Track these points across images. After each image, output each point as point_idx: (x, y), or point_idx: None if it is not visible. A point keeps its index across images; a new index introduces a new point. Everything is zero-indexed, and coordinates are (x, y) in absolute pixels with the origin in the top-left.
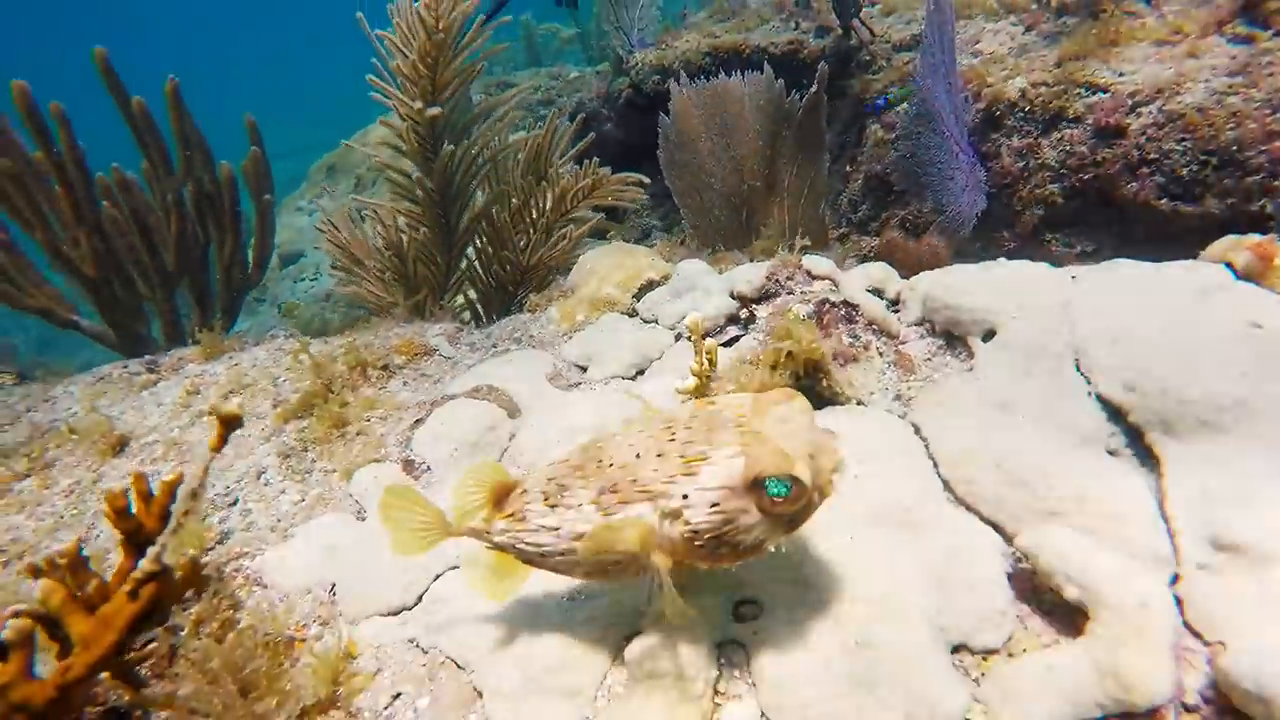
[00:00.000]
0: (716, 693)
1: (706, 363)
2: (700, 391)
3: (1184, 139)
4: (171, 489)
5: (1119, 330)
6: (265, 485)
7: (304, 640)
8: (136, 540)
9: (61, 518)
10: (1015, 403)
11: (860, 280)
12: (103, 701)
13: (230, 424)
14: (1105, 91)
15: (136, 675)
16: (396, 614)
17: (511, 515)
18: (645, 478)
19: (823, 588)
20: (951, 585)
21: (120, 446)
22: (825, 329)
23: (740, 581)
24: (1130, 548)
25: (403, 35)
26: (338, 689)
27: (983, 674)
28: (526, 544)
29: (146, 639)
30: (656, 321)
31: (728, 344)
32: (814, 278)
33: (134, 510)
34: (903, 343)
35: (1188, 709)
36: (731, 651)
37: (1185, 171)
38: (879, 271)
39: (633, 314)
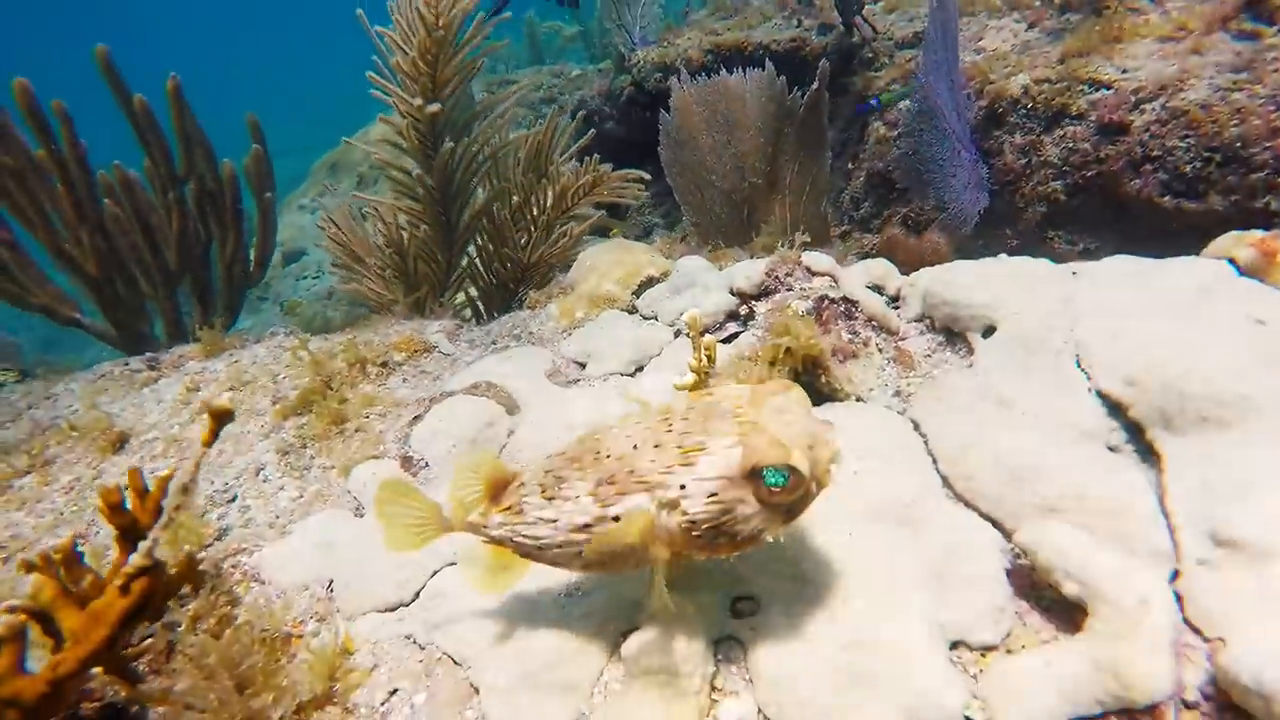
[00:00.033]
0: (714, 689)
1: (705, 359)
2: (698, 388)
3: (1188, 136)
4: (166, 484)
5: (1120, 326)
6: (264, 482)
7: (301, 636)
8: (132, 535)
9: (61, 514)
10: (1015, 399)
11: (860, 276)
12: (99, 697)
13: (221, 418)
14: (1108, 88)
15: (133, 671)
16: (394, 610)
17: (509, 509)
18: (643, 468)
19: (821, 584)
20: (950, 581)
21: (120, 443)
22: (824, 325)
23: (738, 578)
24: (1130, 544)
25: (402, 32)
26: (334, 685)
27: (981, 670)
28: (524, 537)
29: (144, 635)
30: (656, 318)
31: (727, 340)
32: (814, 274)
33: (129, 506)
34: (903, 339)
35: (1188, 706)
36: (729, 648)
37: (1189, 168)
38: (879, 268)
39: (632, 311)
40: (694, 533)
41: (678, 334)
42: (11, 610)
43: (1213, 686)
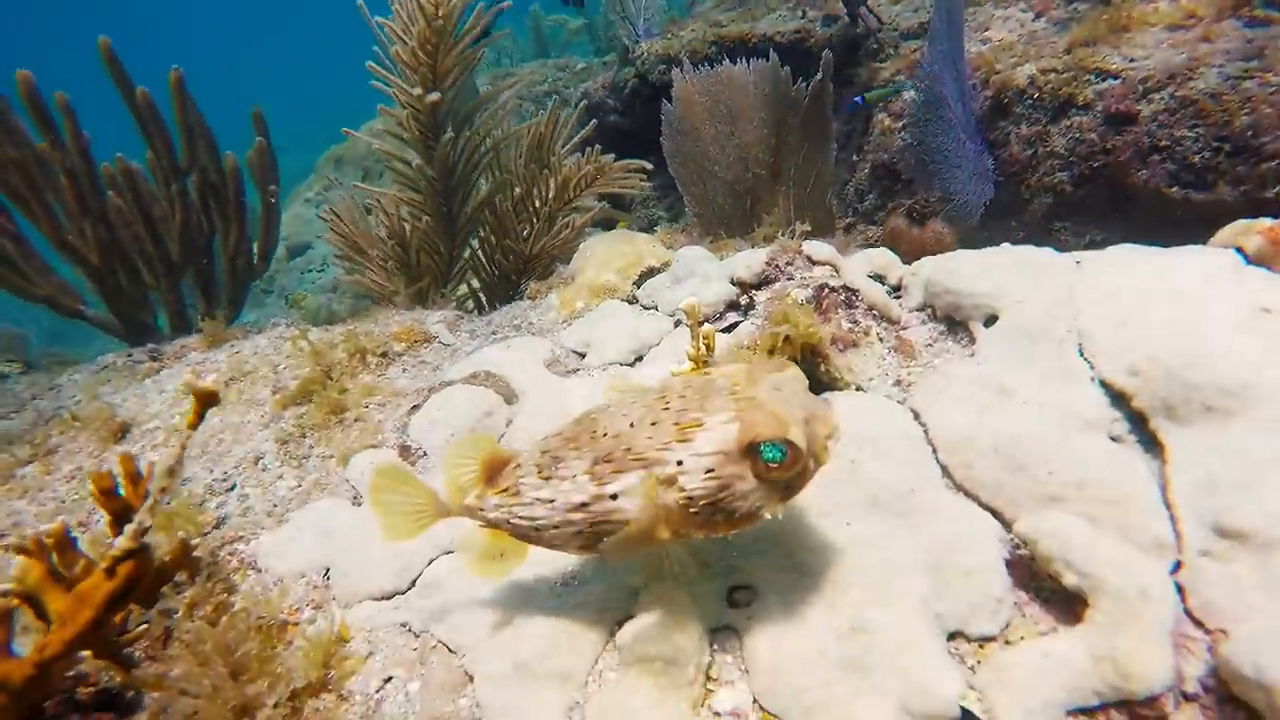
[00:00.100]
0: (709, 678)
1: (704, 348)
2: None
3: (1196, 125)
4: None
5: (1124, 315)
6: (263, 471)
7: (297, 624)
8: (125, 520)
9: (63, 503)
10: (1016, 388)
11: (862, 266)
12: (95, 682)
13: (206, 401)
14: (1116, 78)
15: (128, 656)
16: (389, 598)
17: (505, 490)
18: (640, 445)
19: (818, 573)
20: (949, 571)
21: (122, 433)
22: (824, 314)
23: (734, 567)
24: (1131, 534)
25: (402, 22)
26: (329, 672)
27: (979, 661)
28: (521, 518)
29: (139, 621)
30: (656, 308)
31: (727, 330)
32: (815, 263)
33: (122, 491)
34: (904, 328)
35: (1187, 697)
36: (725, 637)
37: (1197, 158)
38: (881, 257)
39: (633, 301)
40: (691, 509)
41: (678, 324)
42: (2, 594)
43: (1213, 678)
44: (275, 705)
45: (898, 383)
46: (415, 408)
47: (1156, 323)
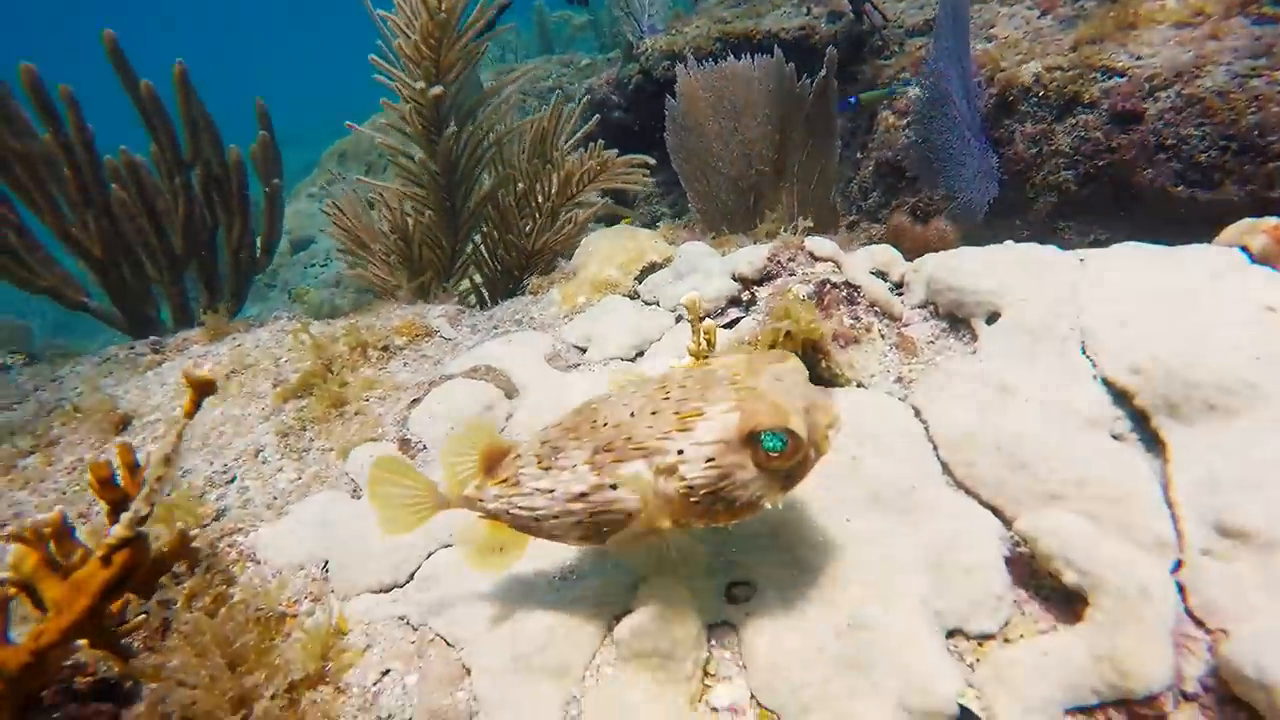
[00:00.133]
0: (706, 674)
1: (705, 343)
2: None
3: (1203, 124)
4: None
5: (1127, 313)
6: (263, 463)
7: (295, 616)
8: (123, 510)
9: (64, 494)
10: (1018, 386)
11: (864, 262)
12: (93, 672)
13: (203, 389)
14: (1122, 76)
15: (126, 646)
16: (388, 591)
17: (505, 480)
18: (640, 434)
19: (817, 570)
20: (948, 569)
21: (123, 425)
22: (826, 310)
23: (734, 563)
24: (1132, 533)
25: (405, 15)
26: (327, 665)
27: (978, 659)
28: (520, 508)
29: (138, 611)
30: (658, 303)
31: (729, 325)
32: (817, 259)
33: (120, 481)
34: (906, 325)
35: (1187, 697)
36: (723, 633)
37: (1204, 157)
38: (884, 254)
39: (634, 296)
40: (692, 498)
41: (679, 319)
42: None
43: (1213, 678)
44: (273, 697)
45: (899, 379)
46: (415, 401)
47: (1159, 321)
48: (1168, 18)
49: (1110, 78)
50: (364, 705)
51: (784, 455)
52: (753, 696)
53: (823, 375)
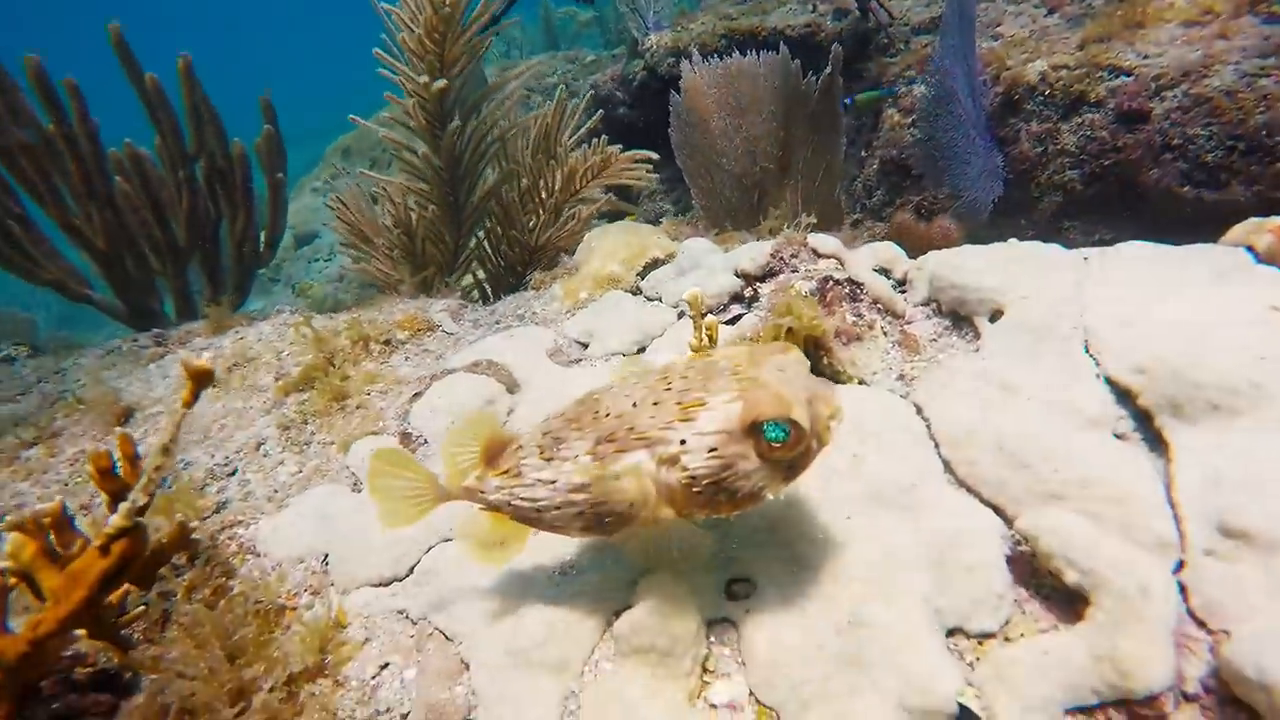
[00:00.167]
0: (705, 670)
1: (707, 339)
2: None
3: (1210, 124)
4: None
5: (1130, 312)
6: (264, 456)
7: (294, 609)
8: (122, 500)
9: (66, 485)
10: (1020, 384)
11: (867, 259)
12: (92, 663)
13: (201, 379)
14: (1129, 75)
15: (125, 638)
16: (387, 585)
17: (506, 471)
18: (642, 425)
19: (817, 567)
20: (949, 567)
21: (125, 417)
22: (828, 306)
23: (734, 559)
24: (1134, 533)
25: (410, 9)
26: (326, 657)
27: (978, 658)
28: (522, 500)
29: (137, 603)
30: (660, 299)
31: (731, 321)
32: (820, 256)
33: (120, 472)
34: (908, 323)
35: (1187, 698)
36: (723, 629)
37: (1210, 157)
38: (887, 251)
39: (636, 292)
40: (694, 489)
41: (681, 315)
42: None
43: (1214, 679)
44: (271, 689)
45: (901, 377)
46: (417, 395)
47: (1163, 321)
48: (1176, 16)
49: (1117, 77)
50: (362, 698)
51: (786, 445)
52: (752, 693)
53: (824, 372)
